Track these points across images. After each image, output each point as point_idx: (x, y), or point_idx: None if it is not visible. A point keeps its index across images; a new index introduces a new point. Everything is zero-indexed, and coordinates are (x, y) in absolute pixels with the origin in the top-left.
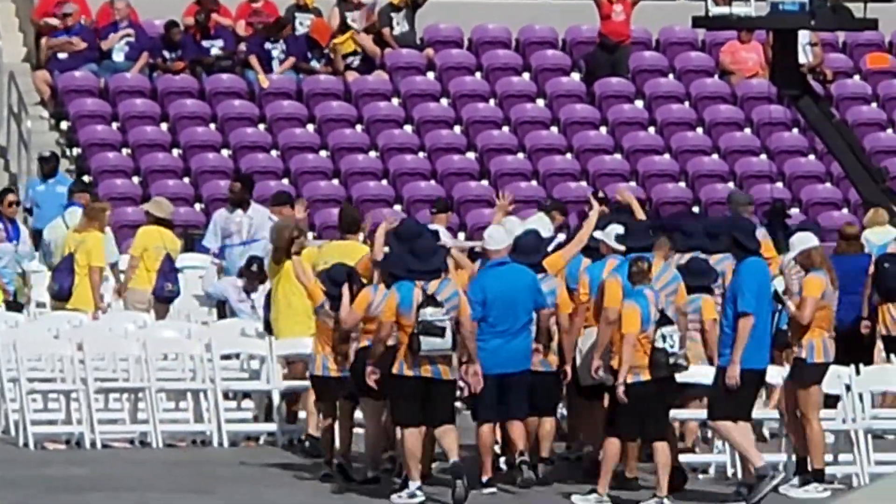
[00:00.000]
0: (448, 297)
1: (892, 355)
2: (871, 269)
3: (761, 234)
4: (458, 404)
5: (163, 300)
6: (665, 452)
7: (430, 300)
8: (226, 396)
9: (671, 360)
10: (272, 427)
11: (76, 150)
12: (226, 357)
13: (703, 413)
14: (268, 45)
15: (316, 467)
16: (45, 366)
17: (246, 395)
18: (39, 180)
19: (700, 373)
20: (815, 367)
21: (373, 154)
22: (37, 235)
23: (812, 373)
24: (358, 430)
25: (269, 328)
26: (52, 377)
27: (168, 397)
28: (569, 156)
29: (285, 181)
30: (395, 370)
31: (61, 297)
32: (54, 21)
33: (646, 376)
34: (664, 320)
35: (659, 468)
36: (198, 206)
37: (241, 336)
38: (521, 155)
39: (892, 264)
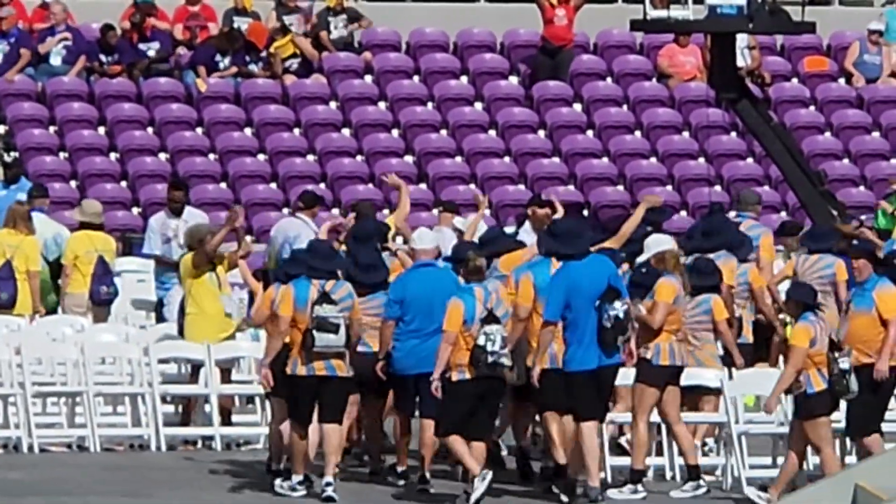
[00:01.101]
0: (342, 298)
1: None
2: None
3: (760, 231)
4: None
5: (100, 303)
6: (481, 452)
7: (324, 297)
8: (163, 400)
9: (490, 359)
10: (210, 431)
11: (12, 154)
12: (163, 361)
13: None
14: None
15: (251, 470)
16: None
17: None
18: (2, 185)
19: (705, 375)
20: (660, 368)
21: (311, 157)
22: None
23: (655, 374)
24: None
25: (181, 332)
26: None
27: (106, 401)
28: (507, 159)
29: (223, 185)
30: (288, 370)
31: (7, 305)
32: None
33: (469, 374)
34: (490, 319)
35: (467, 462)
36: (135, 210)
37: (179, 340)
38: (459, 158)
39: None
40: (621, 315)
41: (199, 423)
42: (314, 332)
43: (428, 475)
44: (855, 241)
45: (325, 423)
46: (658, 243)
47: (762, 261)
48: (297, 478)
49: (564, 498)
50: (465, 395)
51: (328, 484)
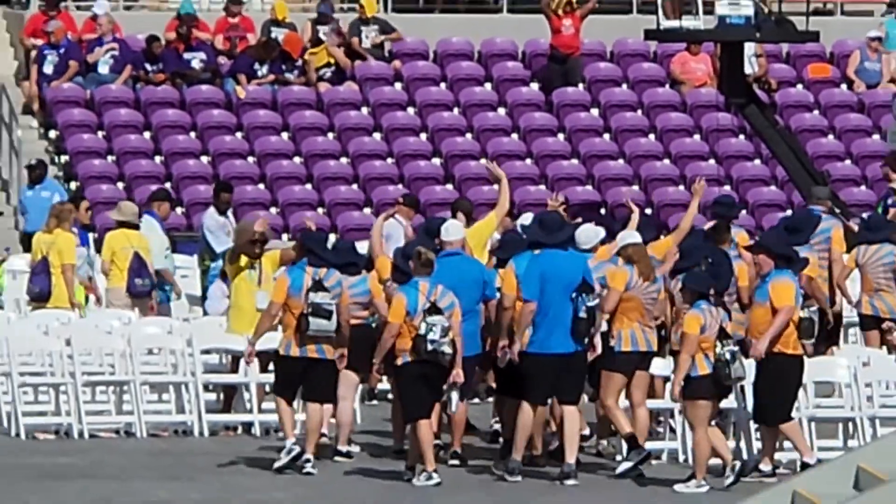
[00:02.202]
0: (333, 286)
1: None
2: None
3: (832, 223)
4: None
5: (136, 295)
6: (426, 432)
7: (317, 285)
8: (206, 389)
9: (430, 347)
10: (249, 417)
11: (64, 158)
12: (205, 352)
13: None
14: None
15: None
16: (35, 360)
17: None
18: (27, 187)
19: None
20: (622, 355)
21: (343, 160)
22: (27, 239)
23: (617, 361)
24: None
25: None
26: (42, 371)
27: (151, 390)
28: (528, 161)
29: (261, 186)
30: (281, 350)
31: (42, 298)
32: (41, 40)
33: (411, 358)
34: (432, 310)
35: (423, 445)
36: (178, 210)
37: (221, 332)
38: (483, 160)
39: None
40: (593, 308)
41: (239, 410)
42: (309, 317)
43: (459, 450)
44: (757, 238)
45: (310, 401)
46: (624, 238)
47: (834, 253)
48: (289, 442)
49: (508, 476)
50: (409, 377)
51: (307, 460)
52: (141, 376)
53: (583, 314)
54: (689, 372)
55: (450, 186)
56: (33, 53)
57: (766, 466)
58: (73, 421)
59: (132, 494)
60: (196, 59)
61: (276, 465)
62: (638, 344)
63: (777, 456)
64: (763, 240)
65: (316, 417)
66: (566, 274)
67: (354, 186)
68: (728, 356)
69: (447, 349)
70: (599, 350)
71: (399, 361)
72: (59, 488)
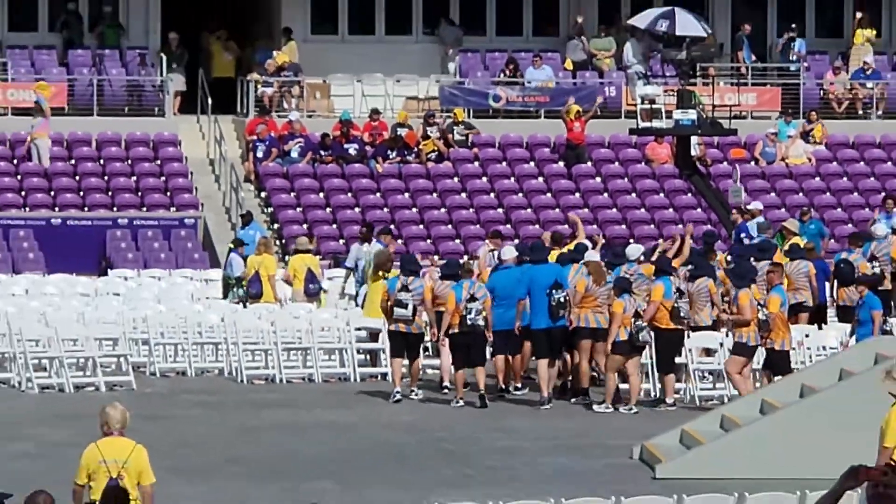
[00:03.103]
0: (416, 288)
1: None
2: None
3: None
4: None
5: (309, 295)
6: (461, 376)
7: (404, 288)
8: (358, 352)
9: (469, 322)
10: (385, 369)
11: (269, 209)
12: (357, 329)
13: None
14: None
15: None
16: (252, 335)
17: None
18: (240, 227)
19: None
20: (581, 329)
21: (443, 210)
22: (244, 259)
23: (579, 333)
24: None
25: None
26: (257, 341)
27: (324, 353)
28: (557, 210)
29: (392, 226)
30: (391, 328)
31: (256, 297)
32: (255, 136)
33: (457, 330)
34: (471, 299)
35: (458, 382)
36: (340, 241)
37: (361, 317)
38: (529, 210)
39: (845, 265)
40: (562, 300)
41: (378, 365)
42: (394, 307)
43: (503, 386)
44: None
45: (411, 359)
46: (589, 256)
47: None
48: (394, 388)
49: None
50: (457, 343)
51: (407, 395)
52: (318, 344)
53: (553, 302)
54: (615, 338)
55: (508, 226)
56: (250, 144)
57: (669, 399)
58: (276, 372)
59: (314, 417)
60: (352, 148)
61: (392, 400)
62: (588, 322)
63: (703, 394)
64: (732, 267)
65: (414, 368)
66: (545, 279)
67: (449, 226)
68: (641, 327)
69: (480, 322)
70: (572, 327)
71: (452, 332)
72: (269, 414)
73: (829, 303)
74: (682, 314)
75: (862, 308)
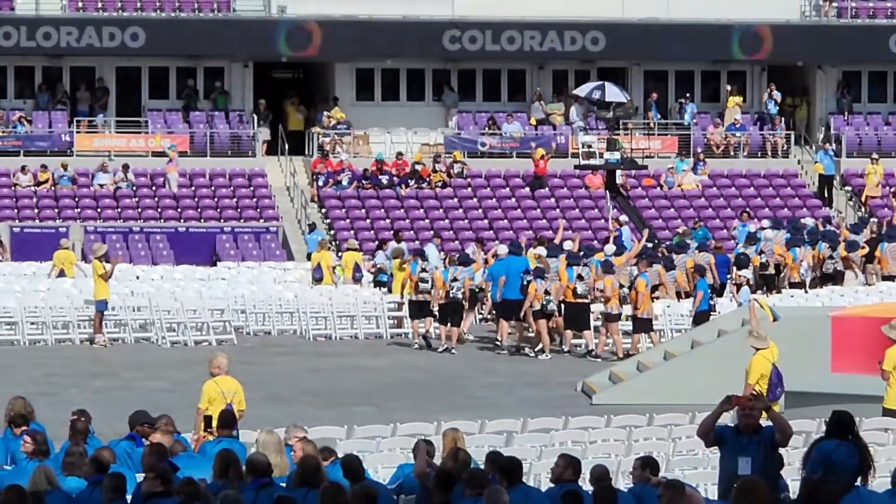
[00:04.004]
0: (462, 274)
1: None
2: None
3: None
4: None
5: (355, 280)
6: (444, 332)
7: (423, 270)
8: (388, 318)
9: (451, 296)
10: (408, 330)
11: (328, 221)
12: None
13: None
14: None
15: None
16: (317, 308)
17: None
18: (308, 233)
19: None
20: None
21: (446, 221)
22: (308, 255)
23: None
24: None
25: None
26: (320, 311)
27: (365, 318)
28: (524, 221)
29: (411, 232)
30: (414, 298)
31: (318, 281)
32: (316, 170)
33: (444, 301)
34: (454, 280)
35: (443, 336)
36: (375, 243)
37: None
38: (502, 222)
39: (744, 256)
40: (524, 282)
41: (403, 327)
42: (418, 283)
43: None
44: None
45: (416, 318)
46: (568, 246)
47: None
48: (413, 340)
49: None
50: (444, 309)
51: (425, 346)
52: (360, 312)
53: (524, 282)
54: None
55: (491, 232)
56: (314, 176)
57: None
58: (332, 332)
59: (358, 362)
60: (384, 178)
61: (414, 347)
62: (528, 294)
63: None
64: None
65: (453, 332)
66: (517, 267)
67: (451, 232)
68: (546, 301)
69: (459, 295)
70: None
71: (441, 302)
72: (327, 361)
73: (729, 282)
74: (579, 292)
75: (695, 289)
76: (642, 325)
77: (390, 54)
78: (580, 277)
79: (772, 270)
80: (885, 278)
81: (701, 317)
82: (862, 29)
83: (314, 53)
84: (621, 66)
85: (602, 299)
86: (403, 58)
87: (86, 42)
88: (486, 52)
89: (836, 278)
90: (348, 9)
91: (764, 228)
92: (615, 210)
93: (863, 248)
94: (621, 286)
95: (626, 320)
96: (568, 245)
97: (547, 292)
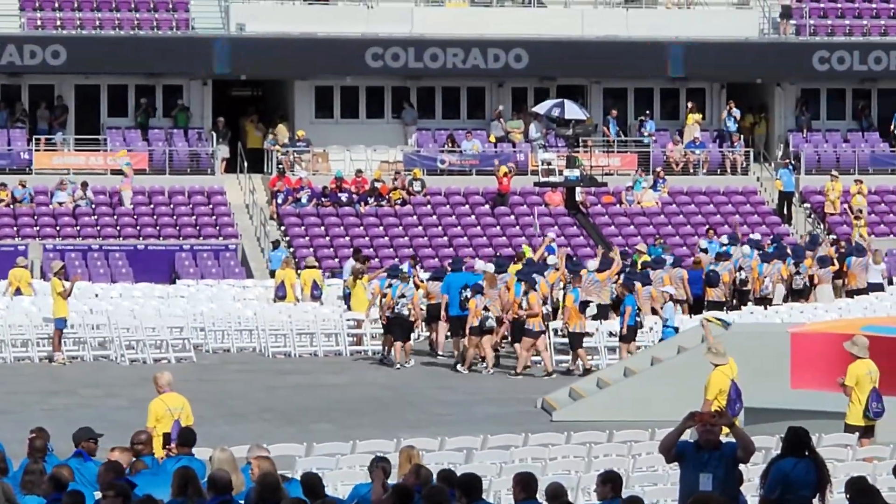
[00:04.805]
0: (407, 291)
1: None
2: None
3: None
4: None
5: (314, 297)
6: (398, 347)
7: (390, 285)
8: (348, 335)
9: (396, 311)
10: (367, 347)
11: (287, 238)
12: (347, 319)
13: None
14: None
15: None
16: (277, 324)
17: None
18: (271, 250)
19: None
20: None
21: (406, 238)
22: (272, 273)
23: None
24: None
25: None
26: (280, 328)
27: (325, 335)
28: (484, 238)
29: (371, 251)
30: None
31: (281, 299)
32: (275, 188)
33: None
34: (401, 295)
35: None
36: (335, 260)
37: (347, 311)
38: (461, 239)
39: (713, 273)
40: (467, 297)
41: (363, 344)
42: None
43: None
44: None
45: (395, 339)
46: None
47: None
48: (390, 356)
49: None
50: (391, 323)
51: (394, 364)
52: (320, 329)
53: (462, 298)
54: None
55: (451, 249)
56: (273, 193)
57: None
58: (291, 349)
59: (317, 380)
60: (344, 196)
61: (387, 362)
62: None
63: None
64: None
65: (401, 343)
66: (459, 282)
67: (410, 250)
68: (484, 318)
69: (405, 311)
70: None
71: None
72: (286, 378)
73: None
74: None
75: (623, 305)
76: (574, 339)
77: (349, 72)
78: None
79: (750, 286)
80: (851, 293)
81: (630, 332)
82: (820, 46)
83: (273, 71)
84: (580, 84)
85: (525, 316)
86: (363, 75)
87: (45, 60)
88: (445, 70)
89: (803, 294)
90: (307, 26)
91: (725, 245)
92: (542, 226)
93: (833, 265)
94: (575, 301)
95: (561, 336)
96: (552, 261)
97: (486, 308)
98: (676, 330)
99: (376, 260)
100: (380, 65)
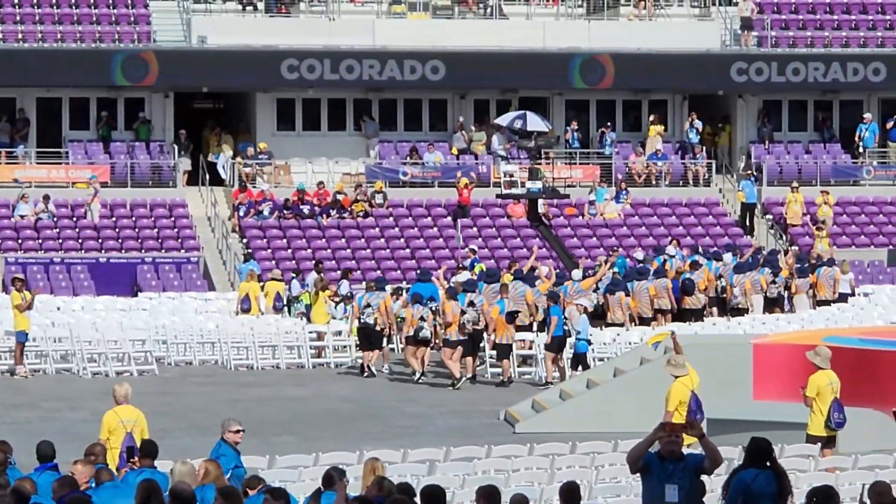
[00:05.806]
0: (375, 300)
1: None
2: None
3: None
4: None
5: (276, 309)
6: (374, 355)
7: (470, 304)
8: (311, 348)
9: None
10: (342, 359)
11: (249, 251)
12: (309, 332)
13: None
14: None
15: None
16: (238, 337)
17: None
18: (243, 262)
19: None
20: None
21: (368, 251)
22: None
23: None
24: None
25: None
26: (242, 340)
27: (287, 348)
28: (446, 251)
29: (333, 263)
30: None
31: (246, 312)
32: (237, 201)
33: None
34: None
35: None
36: (294, 274)
37: (309, 324)
38: (424, 251)
39: (689, 282)
40: (432, 309)
41: (324, 356)
42: (365, 310)
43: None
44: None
45: (364, 349)
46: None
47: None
48: (367, 368)
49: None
50: (361, 334)
51: (367, 374)
52: (282, 342)
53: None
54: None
55: (413, 261)
56: (235, 206)
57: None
58: (253, 362)
59: (279, 392)
60: (306, 208)
61: (366, 373)
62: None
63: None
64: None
65: (375, 354)
66: (425, 292)
67: (373, 262)
68: (418, 328)
69: (371, 321)
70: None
71: (357, 327)
72: (248, 391)
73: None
74: (468, 318)
75: (549, 315)
76: (501, 350)
77: (311, 84)
78: (472, 304)
79: (729, 294)
80: (819, 303)
81: (555, 342)
82: (781, 58)
83: (235, 83)
84: (542, 96)
85: (443, 325)
86: (324, 88)
87: (6, 73)
88: (407, 82)
89: (778, 303)
90: (269, 39)
91: (695, 255)
92: (461, 239)
93: (812, 274)
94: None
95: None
96: (544, 271)
97: (423, 318)
98: (589, 342)
99: (337, 273)
100: (341, 77)
